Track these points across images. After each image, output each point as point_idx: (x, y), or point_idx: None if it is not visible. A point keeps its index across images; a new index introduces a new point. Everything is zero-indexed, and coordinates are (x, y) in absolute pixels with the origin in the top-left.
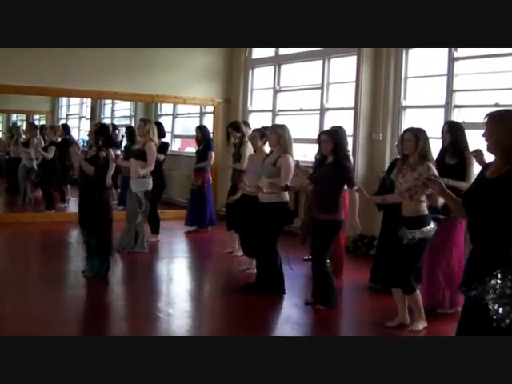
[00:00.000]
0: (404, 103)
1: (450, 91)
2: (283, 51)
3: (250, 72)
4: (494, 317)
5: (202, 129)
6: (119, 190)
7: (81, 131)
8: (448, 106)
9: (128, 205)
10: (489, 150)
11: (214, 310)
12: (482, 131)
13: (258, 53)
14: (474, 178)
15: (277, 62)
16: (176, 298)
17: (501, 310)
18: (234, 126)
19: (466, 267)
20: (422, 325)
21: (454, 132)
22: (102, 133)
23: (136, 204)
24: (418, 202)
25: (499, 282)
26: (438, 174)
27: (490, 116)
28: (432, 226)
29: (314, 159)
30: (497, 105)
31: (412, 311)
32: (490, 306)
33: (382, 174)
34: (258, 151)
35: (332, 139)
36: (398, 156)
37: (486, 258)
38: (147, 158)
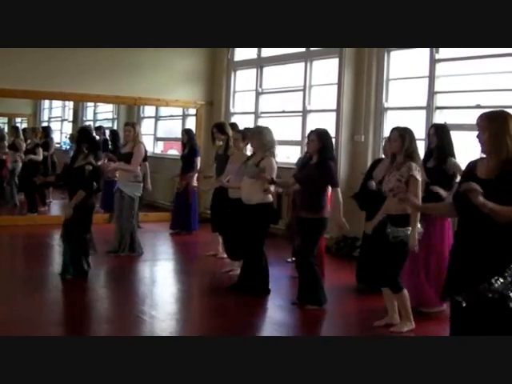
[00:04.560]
0: (386, 105)
1: (432, 93)
2: (265, 53)
3: (233, 74)
4: None
5: (188, 132)
6: (101, 193)
7: (63, 134)
8: (430, 108)
9: (119, 208)
10: (483, 150)
11: (197, 311)
12: (465, 132)
13: (240, 55)
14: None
15: (259, 64)
16: (159, 300)
17: None
18: (218, 127)
19: (459, 269)
20: (406, 327)
21: (440, 135)
22: (83, 138)
23: (130, 207)
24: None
25: None
26: (418, 176)
27: (483, 116)
28: (419, 225)
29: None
30: (478, 106)
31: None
32: None
33: (361, 176)
34: (239, 153)
35: (320, 139)
36: (383, 156)
37: (493, 256)
38: (132, 159)
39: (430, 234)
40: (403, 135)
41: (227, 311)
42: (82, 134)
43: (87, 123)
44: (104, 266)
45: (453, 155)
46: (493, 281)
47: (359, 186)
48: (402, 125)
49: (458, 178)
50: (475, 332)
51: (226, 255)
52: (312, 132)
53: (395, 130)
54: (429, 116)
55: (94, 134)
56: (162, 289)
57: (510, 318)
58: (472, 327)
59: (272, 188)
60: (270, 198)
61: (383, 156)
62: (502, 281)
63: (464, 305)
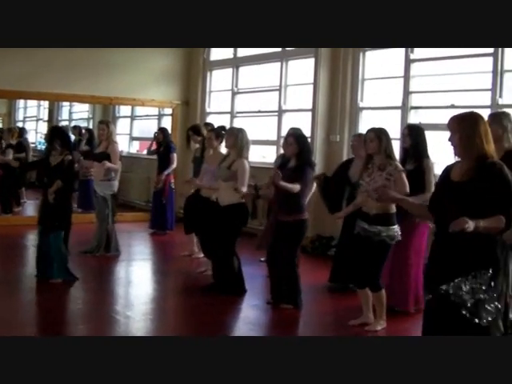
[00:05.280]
0: (361, 105)
1: (407, 93)
2: (241, 53)
3: (209, 74)
4: (470, 315)
5: (163, 131)
6: (77, 193)
7: (38, 134)
8: (404, 108)
9: (97, 208)
10: (456, 153)
11: (172, 311)
12: (439, 132)
13: (216, 55)
14: (433, 185)
15: (235, 64)
16: (134, 301)
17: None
18: (194, 129)
19: (435, 267)
20: (380, 326)
21: (414, 135)
22: (55, 135)
23: (104, 207)
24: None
25: (482, 280)
26: (405, 172)
27: (454, 119)
28: (397, 226)
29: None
30: (452, 106)
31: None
32: (470, 304)
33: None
34: (214, 152)
35: (298, 143)
36: (353, 156)
37: (462, 257)
38: (111, 159)
39: (407, 234)
40: (380, 136)
41: (202, 311)
42: (53, 132)
43: (63, 123)
44: (80, 266)
45: (427, 156)
46: (456, 281)
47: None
48: (377, 125)
49: (430, 179)
50: (442, 331)
51: (201, 255)
52: (290, 135)
53: (371, 131)
54: (404, 116)
55: (71, 133)
56: (137, 289)
57: (462, 324)
58: (439, 326)
59: (244, 189)
60: (242, 199)
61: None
62: (461, 282)
63: (431, 303)
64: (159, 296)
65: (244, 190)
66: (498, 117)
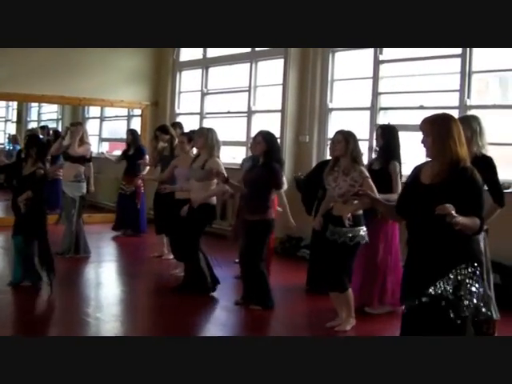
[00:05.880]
0: (330, 106)
1: (376, 94)
2: (211, 54)
3: (178, 75)
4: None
5: (133, 133)
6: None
7: (6, 134)
8: (374, 109)
9: (64, 209)
10: (428, 155)
11: (142, 312)
12: (408, 133)
13: (185, 55)
14: (400, 186)
15: (204, 64)
16: (104, 302)
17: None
18: (161, 129)
19: (411, 274)
20: (349, 325)
21: (386, 136)
22: (33, 143)
23: (72, 208)
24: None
25: (463, 278)
26: (370, 178)
27: (426, 120)
28: (363, 227)
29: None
30: (421, 107)
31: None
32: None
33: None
34: (185, 155)
35: (266, 141)
36: (329, 157)
37: (439, 259)
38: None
39: (376, 235)
40: (347, 138)
41: (172, 312)
42: (31, 140)
43: (31, 124)
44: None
45: (398, 157)
46: (437, 284)
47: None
48: (346, 126)
49: (397, 180)
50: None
51: (170, 256)
52: (258, 134)
53: (339, 133)
54: (373, 117)
55: (39, 133)
56: (106, 290)
57: (448, 327)
58: (421, 331)
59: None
60: (214, 199)
61: (330, 157)
62: (443, 284)
63: (413, 309)
64: (129, 297)
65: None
66: (467, 120)
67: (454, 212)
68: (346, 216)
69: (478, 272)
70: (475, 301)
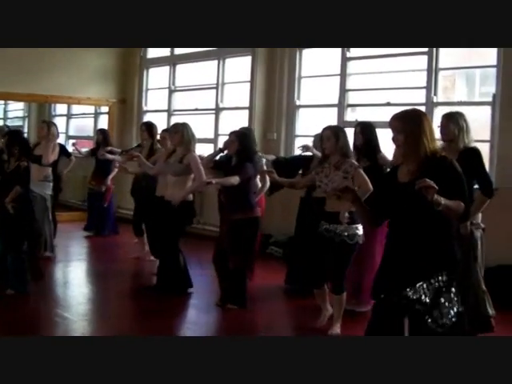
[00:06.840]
0: (298, 103)
1: (343, 91)
2: (178, 51)
3: (145, 72)
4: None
5: (103, 132)
6: None
7: None
8: (341, 106)
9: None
10: (400, 152)
11: (112, 312)
12: (377, 129)
13: (153, 52)
14: None
15: (172, 61)
16: (73, 302)
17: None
18: (148, 126)
19: (389, 271)
20: (339, 328)
21: (366, 133)
22: (14, 141)
23: (44, 207)
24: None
25: (442, 283)
26: (361, 168)
27: (397, 117)
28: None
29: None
30: (388, 104)
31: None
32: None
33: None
34: (166, 151)
35: (239, 140)
36: (309, 153)
37: (420, 261)
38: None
39: (372, 234)
40: (337, 134)
41: (144, 312)
42: (11, 137)
43: None
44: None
45: (379, 151)
46: (417, 286)
47: None
48: (313, 123)
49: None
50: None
51: (147, 257)
52: (232, 133)
53: (328, 129)
54: (340, 113)
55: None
56: (75, 290)
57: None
58: (389, 330)
59: (208, 179)
60: (191, 196)
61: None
62: (422, 290)
63: (388, 306)
64: (99, 297)
65: (212, 180)
66: (453, 117)
67: (434, 184)
68: (343, 214)
69: (454, 282)
70: (455, 309)
